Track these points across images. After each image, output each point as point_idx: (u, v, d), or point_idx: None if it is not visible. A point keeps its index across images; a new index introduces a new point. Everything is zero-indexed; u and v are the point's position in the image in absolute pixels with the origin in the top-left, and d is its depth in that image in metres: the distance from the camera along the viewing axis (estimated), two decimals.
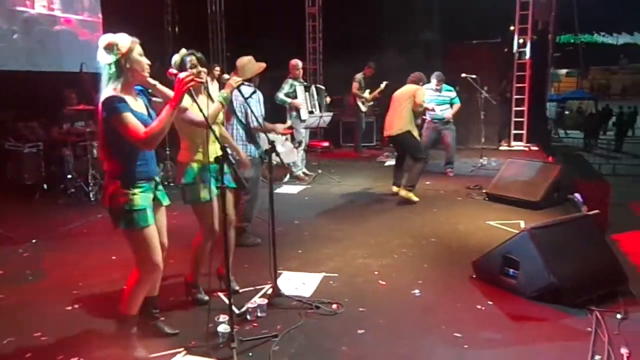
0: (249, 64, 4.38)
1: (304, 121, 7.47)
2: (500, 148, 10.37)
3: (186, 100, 2.68)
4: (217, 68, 7.14)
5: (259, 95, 4.39)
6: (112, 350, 2.84)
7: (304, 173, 7.85)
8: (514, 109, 10.62)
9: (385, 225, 5.41)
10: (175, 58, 3.28)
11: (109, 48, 2.59)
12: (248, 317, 3.28)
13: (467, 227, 5.24)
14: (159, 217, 2.89)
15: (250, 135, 4.43)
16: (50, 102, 7.00)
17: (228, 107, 3.86)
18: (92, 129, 6.38)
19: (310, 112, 7.60)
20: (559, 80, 34.44)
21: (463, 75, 8.22)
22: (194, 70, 3.23)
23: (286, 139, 7.63)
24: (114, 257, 4.37)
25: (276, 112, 7.24)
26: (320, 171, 7.83)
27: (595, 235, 3.84)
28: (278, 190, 6.97)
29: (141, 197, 2.69)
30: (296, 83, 7.48)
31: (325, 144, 9.38)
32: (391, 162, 7.95)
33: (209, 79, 3.59)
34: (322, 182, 7.55)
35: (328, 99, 8.26)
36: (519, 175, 6.18)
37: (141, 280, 2.80)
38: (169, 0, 11.45)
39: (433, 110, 7.35)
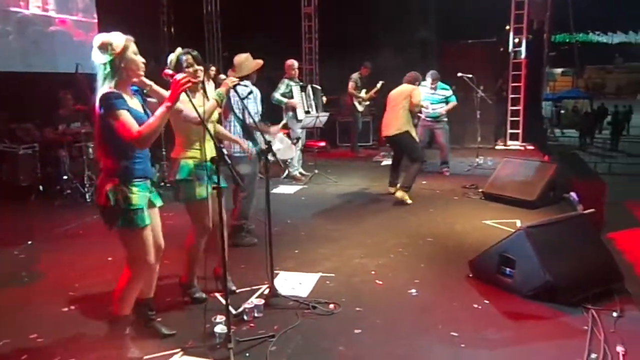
0: (246, 61, 4.39)
1: (300, 121, 7.48)
2: (496, 147, 10.38)
3: (182, 98, 2.68)
4: (213, 68, 7.12)
5: (256, 92, 4.39)
6: (108, 352, 2.83)
7: (300, 173, 7.84)
8: (510, 108, 10.63)
9: (381, 225, 5.42)
10: (171, 57, 3.27)
11: (103, 48, 2.58)
12: (245, 317, 3.27)
13: (463, 227, 5.24)
14: (153, 218, 2.88)
15: (248, 132, 4.44)
16: (45, 103, 6.97)
17: (226, 104, 3.86)
18: (88, 130, 6.36)
19: (307, 112, 7.60)
20: (554, 79, 34.56)
21: (459, 74, 8.24)
22: (191, 70, 3.23)
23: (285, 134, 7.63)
24: (110, 258, 4.36)
25: (273, 112, 7.23)
26: (316, 171, 7.82)
27: (591, 234, 3.86)
28: (274, 191, 6.98)
29: (139, 197, 2.69)
30: (292, 83, 7.49)
31: (322, 144, 9.39)
32: (388, 162, 7.94)
33: (205, 77, 3.59)
34: (318, 182, 7.55)
35: (324, 99, 8.25)
36: (515, 175, 6.18)
37: (133, 280, 2.79)
38: (164, 1, 11.40)
39: (427, 107, 7.36)
